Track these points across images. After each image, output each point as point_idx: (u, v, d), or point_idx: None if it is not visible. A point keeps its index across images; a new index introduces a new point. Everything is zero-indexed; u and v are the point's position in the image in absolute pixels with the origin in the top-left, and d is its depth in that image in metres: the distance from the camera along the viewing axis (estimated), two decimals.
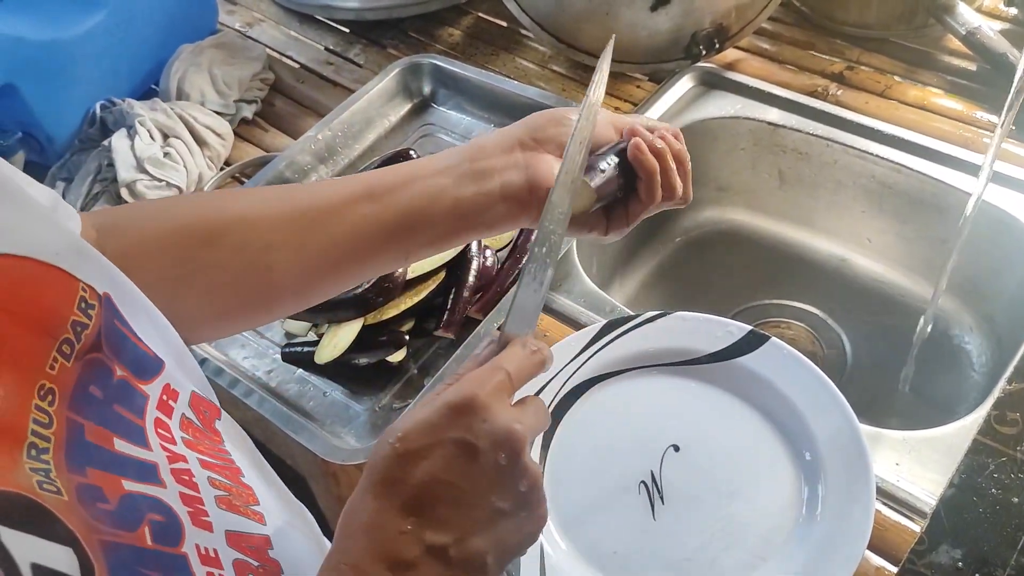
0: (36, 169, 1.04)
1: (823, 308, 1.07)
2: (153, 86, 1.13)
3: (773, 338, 0.73)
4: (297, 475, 1.10)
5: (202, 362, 0.79)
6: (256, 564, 0.42)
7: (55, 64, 0.98)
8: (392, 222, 0.52)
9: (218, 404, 0.50)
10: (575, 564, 0.64)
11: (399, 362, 0.79)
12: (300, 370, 0.81)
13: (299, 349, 0.81)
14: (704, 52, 1.02)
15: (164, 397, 0.43)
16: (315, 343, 0.79)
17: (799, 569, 0.62)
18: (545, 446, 0.71)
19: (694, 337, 0.75)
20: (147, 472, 0.39)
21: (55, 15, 0.97)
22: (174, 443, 0.42)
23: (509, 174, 0.53)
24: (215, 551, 0.39)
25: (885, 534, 0.65)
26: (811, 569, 0.61)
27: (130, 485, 0.37)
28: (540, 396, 0.71)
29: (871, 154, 0.97)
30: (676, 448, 0.70)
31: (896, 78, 1.03)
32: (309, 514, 0.53)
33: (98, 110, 1.03)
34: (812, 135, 1.00)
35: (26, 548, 0.30)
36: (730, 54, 1.08)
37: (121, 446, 0.38)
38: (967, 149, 0.93)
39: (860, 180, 1.01)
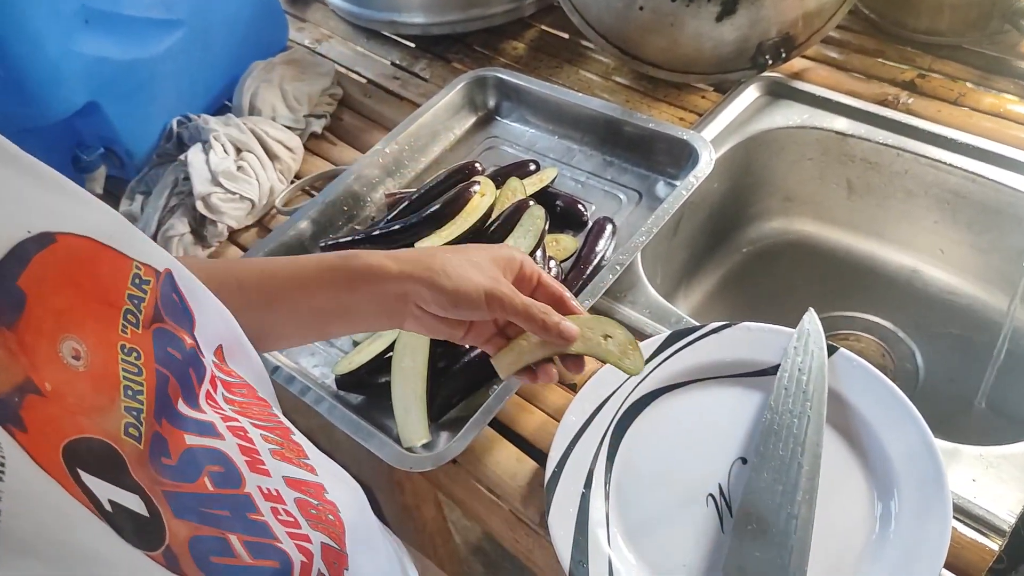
0: (116, 183, 1.08)
1: (894, 321, 1.05)
2: (227, 102, 1.17)
3: (842, 349, 0.72)
4: (362, 484, 1.12)
5: (274, 370, 0.81)
6: (316, 503, 0.46)
7: (135, 82, 1.02)
8: None
9: (274, 396, 0.54)
10: None
11: None
12: None
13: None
14: (770, 62, 1.01)
15: (216, 373, 0.46)
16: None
17: None
18: (611, 458, 0.71)
19: (760, 348, 0.75)
20: (206, 428, 0.42)
21: (136, 35, 1.01)
22: (222, 409, 0.45)
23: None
24: (276, 491, 0.43)
25: (961, 552, 0.64)
26: None
27: (192, 439, 0.41)
28: (604, 408, 0.72)
29: (944, 163, 0.95)
30: (744, 461, 0.69)
31: (970, 85, 1.01)
32: (349, 476, 0.57)
33: (175, 126, 1.06)
34: (882, 144, 0.99)
35: (102, 488, 0.34)
36: (797, 63, 1.07)
37: (181, 407, 0.41)
38: None
39: (932, 190, 0.99)
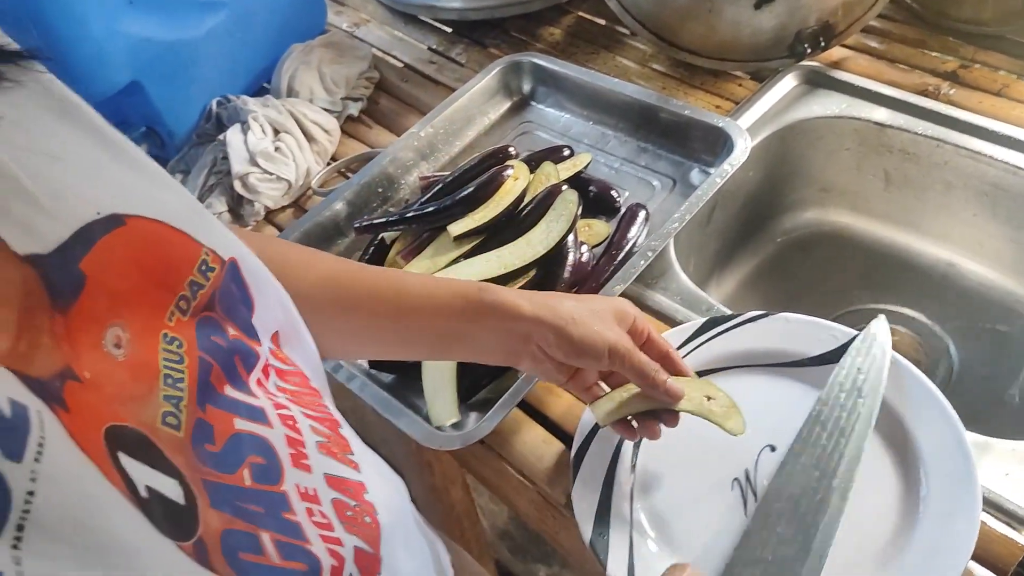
0: (156, 162, 1.10)
1: (929, 314, 1.03)
2: (265, 84, 1.18)
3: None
4: (391, 466, 1.13)
5: None
6: (353, 504, 0.45)
7: (177, 63, 1.03)
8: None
9: (327, 387, 0.53)
10: (665, 557, 0.64)
11: None
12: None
13: None
14: (809, 50, 1.00)
15: (269, 360, 0.46)
16: None
17: None
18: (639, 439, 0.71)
19: (797, 339, 0.75)
20: (256, 413, 0.42)
21: (179, 17, 1.02)
22: (275, 396, 0.45)
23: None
24: (314, 490, 0.43)
25: (991, 545, 0.63)
26: None
27: (241, 424, 0.40)
28: None
29: (985, 155, 0.94)
30: (772, 448, 0.69)
31: (1013, 76, 0.99)
32: (392, 471, 0.57)
33: (214, 106, 1.08)
34: (921, 135, 0.97)
35: (141, 473, 0.33)
36: (836, 52, 1.06)
37: (229, 391, 0.41)
38: None
39: (972, 182, 0.97)
